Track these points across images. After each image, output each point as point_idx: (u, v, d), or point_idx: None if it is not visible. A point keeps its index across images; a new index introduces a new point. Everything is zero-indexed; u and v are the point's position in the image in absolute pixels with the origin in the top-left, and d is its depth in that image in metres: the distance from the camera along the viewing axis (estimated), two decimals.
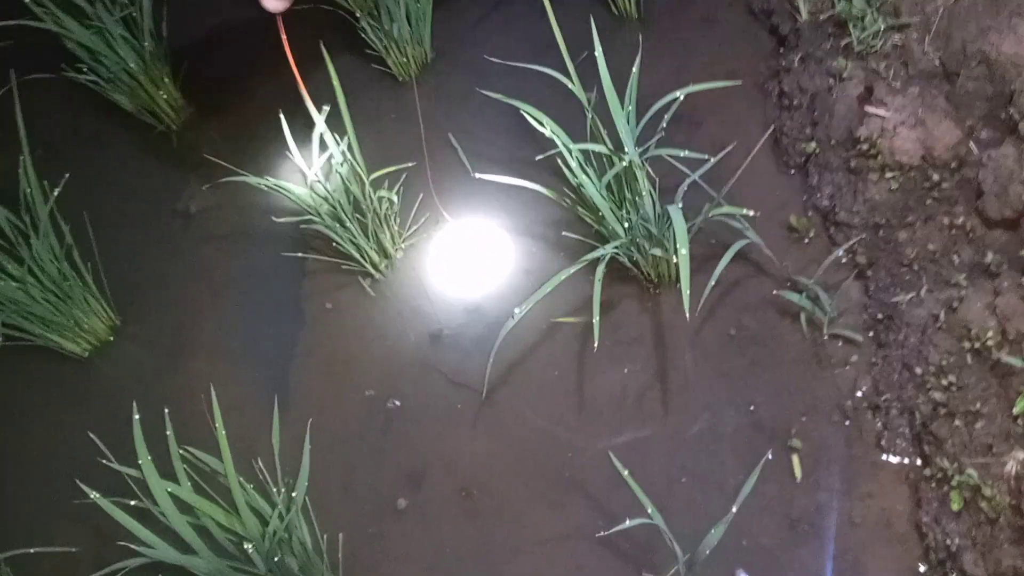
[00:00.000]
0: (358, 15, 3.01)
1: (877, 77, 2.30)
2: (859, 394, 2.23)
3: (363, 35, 3.03)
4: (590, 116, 2.15)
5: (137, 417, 1.83)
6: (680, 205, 2.10)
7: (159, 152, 3.29)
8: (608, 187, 2.25)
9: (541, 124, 2.17)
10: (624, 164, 2.06)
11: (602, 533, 2.02)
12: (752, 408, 2.31)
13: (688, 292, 1.84)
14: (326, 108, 2.44)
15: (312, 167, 2.43)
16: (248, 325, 2.85)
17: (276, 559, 1.83)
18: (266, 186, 2.48)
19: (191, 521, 1.93)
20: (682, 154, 2.20)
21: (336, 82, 2.43)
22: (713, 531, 1.88)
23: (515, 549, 2.27)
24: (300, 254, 2.79)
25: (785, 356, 2.36)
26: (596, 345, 2.10)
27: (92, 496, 1.81)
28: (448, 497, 2.38)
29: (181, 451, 1.91)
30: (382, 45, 3.04)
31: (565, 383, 2.46)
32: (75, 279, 2.77)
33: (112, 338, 2.93)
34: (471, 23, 3.28)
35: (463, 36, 3.23)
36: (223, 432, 1.85)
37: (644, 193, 2.09)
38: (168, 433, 1.97)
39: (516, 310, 2.08)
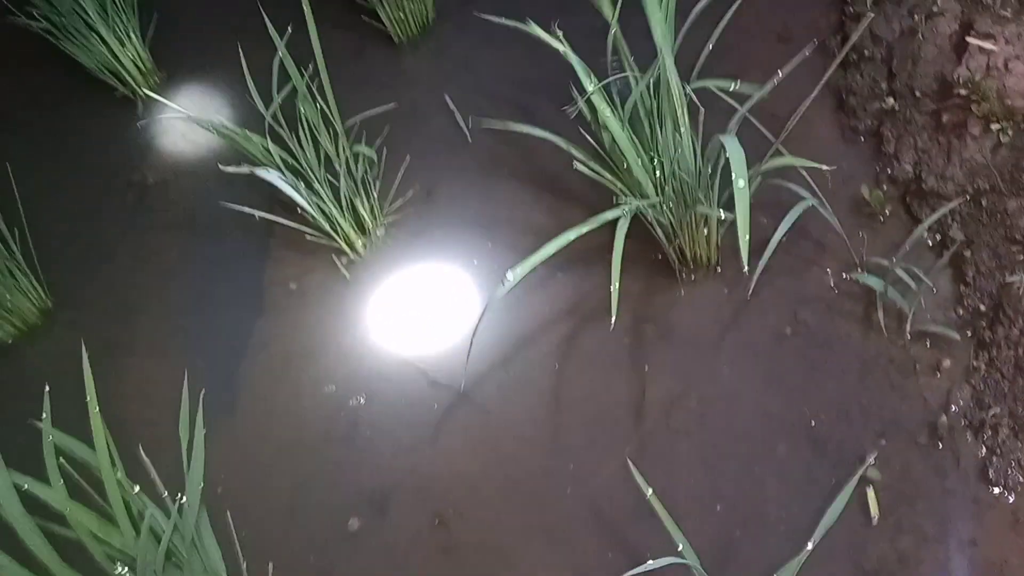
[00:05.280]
0: None
1: (978, 7, 1.82)
2: (955, 409, 1.71)
3: None
4: (613, 31, 1.67)
5: None
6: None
7: (119, 118, 2.86)
8: (633, 132, 1.77)
9: (560, 41, 1.71)
10: (652, 75, 1.56)
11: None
12: (813, 424, 1.79)
13: (747, 237, 1.35)
14: (288, 30, 2.00)
15: (271, 106, 1.97)
16: (201, 311, 2.39)
17: None
18: (214, 129, 2.03)
19: (63, 533, 1.44)
20: (732, 87, 1.71)
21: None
22: None
23: None
24: (246, 208, 2.29)
25: (856, 360, 1.85)
26: (614, 321, 1.60)
27: None
28: (418, 525, 1.87)
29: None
30: None
31: (571, 383, 1.96)
32: None
33: (41, 323, 2.47)
34: None
35: None
36: (96, 411, 1.36)
37: (683, 130, 1.60)
38: (43, 417, 1.49)
39: (508, 274, 1.59)
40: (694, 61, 1.86)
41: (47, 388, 1.56)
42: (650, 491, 1.42)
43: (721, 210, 1.63)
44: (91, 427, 1.49)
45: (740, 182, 1.40)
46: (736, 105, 1.73)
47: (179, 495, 1.51)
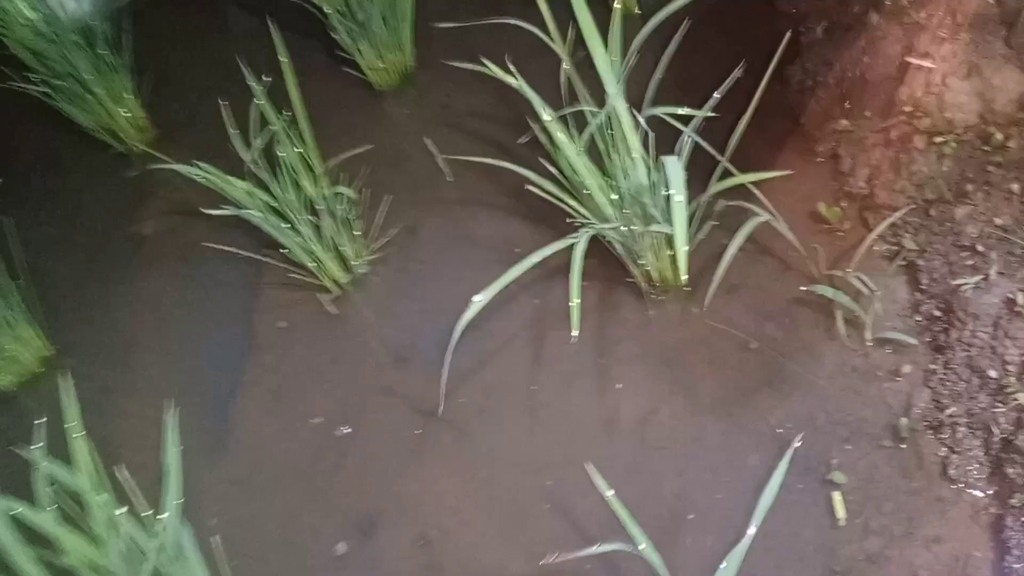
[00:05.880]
0: (327, 11, 2.70)
1: (918, 29, 1.91)
2: (916, 411, 1.76)
3: (333, 35, 2.73)
4: (564, 67, 1.77)
5: None
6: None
7: (116, 174, 2.97)
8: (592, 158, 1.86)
9: (514, 76, 1.81)
10: (607, 111, 1.66)
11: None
12: (780, 432, 1.85)
13: (686, 248, 1.44)
14: (267, 79, 2.11)
15: (251, 149, 2.08)
16: (196, 353, 2.47)
17: None
18: (198, 176, 2.14)
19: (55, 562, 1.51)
20: (680, 112, 1.81)
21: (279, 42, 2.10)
22: (724, 565, 1.40)
23: None
24: (231, 248, 2.41)
25: (820, 370, 1.91)
26: (574, 335, 1.67)
27: None
28: (402, 546, 1.92)
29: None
30: (355, 47, 2.74)
31: (547, 404, 2.02)
32: None
33: (42, 370, 2.56)
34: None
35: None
36: (80, 433, 1.44)
37: (636, 156, 1.70)
38: (35, 447, 1.57)
39: (474, 298, 1.67)
40: (658, 92, 1.96)
41: (40, 420, 1.64)
42: (610, 492, 1.48)
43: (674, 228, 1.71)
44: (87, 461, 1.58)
45: (677, 196, 1.48)
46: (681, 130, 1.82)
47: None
